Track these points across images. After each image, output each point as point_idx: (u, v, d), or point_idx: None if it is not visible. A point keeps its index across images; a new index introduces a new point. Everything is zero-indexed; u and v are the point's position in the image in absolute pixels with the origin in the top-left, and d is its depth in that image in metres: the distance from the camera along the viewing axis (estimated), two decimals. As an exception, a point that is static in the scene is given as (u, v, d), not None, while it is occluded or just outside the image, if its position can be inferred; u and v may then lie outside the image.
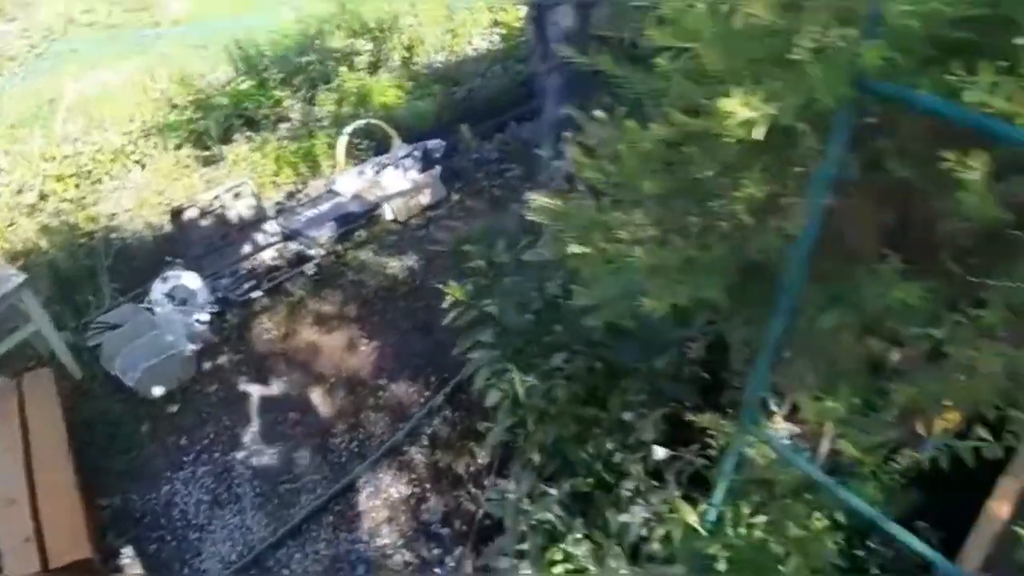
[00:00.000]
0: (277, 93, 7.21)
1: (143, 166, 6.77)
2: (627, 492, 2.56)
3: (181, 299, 4.98)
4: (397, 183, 5.62)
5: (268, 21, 8.38)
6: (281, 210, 6.05)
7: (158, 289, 4.95)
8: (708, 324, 2.87)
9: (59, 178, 6.54)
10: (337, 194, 5.71)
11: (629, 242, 1.80)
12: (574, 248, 1.92)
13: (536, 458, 3.12)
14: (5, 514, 3.64)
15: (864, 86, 1.37)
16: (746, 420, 2.01)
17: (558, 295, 2.91)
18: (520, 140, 6.06)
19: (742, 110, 1.33)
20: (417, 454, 4.01)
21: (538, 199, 1.99)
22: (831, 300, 1.77)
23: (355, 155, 6.18)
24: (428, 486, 3.89)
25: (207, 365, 4.89)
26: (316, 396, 4.58)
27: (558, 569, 2.74)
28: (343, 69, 7.21)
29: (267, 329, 5.10)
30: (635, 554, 2.64)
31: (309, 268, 5.33)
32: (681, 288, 1.77)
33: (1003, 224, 1.67)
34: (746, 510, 2.24)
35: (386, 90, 6.82)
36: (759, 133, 1.37)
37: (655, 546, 2.40)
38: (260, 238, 5.61)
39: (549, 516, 2.88)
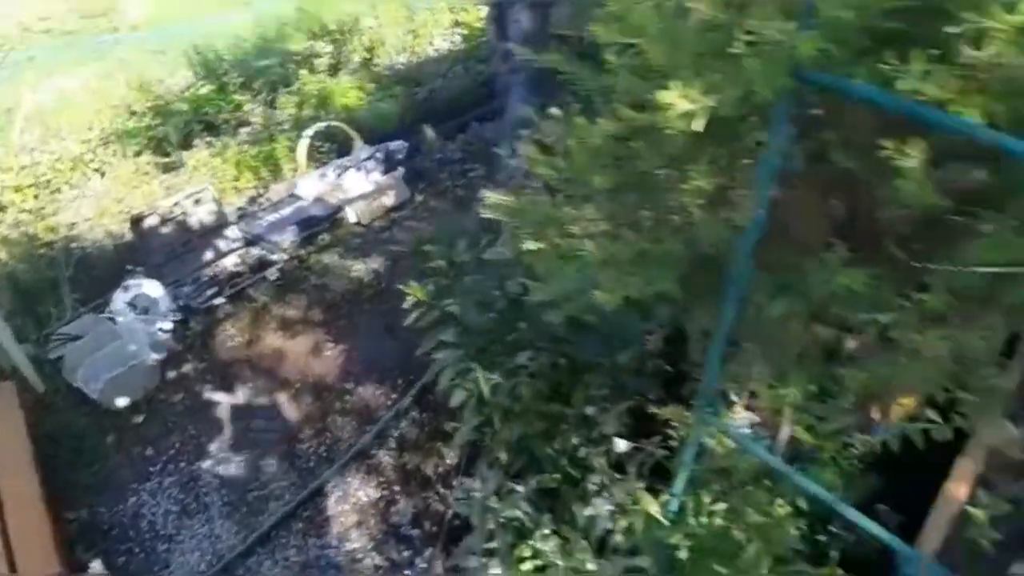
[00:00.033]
0: (237, 97, 7.12)
1: (102, 174, 6.65)
2: (592, 486, 2.57)
3: (143, 308, 4.89)
4: (359, 185, 5.58)
5: (227, 25, 8.28)
6: (243, 215, 5.98)
7: (119, 298, 4.86)
8: (670, 317, 2.91)
9: (17, 189, 6.40)
10: (299, 198, 5.66)
11: (581, 236, 1.81)
12: (529, 244, 1.92)
13: (503, 456, 3.13)
14: (-28, 530, 3.57)
15: (801, 77, 1.39)
16: (703, 410, 2.04)
17: (519, 293, 2.91)
18: (483, 139, 6.06)
19: (681, 102, 1.35)
20: (385, 457, 4.00)
21: (492, 197, 1.99)
22: (779, 289, 1.79)
23: (316, 158, 6.13)
24: (397, 488, 3.87)
25: (171, 374, 4.82)
26: (282, 402, 4.54)
27: (527, 566, 2.74)
28: (303, 72, 7.15)
29: (231, 336, 5.04)
30: (602, 547, 2.66)
31: (272, 273, 5.28)
32: (633, 280, 1.79)
33: (943, 210, 1.71)
34: (707, 499, 2.27)
35: (347, 92, 6.77)
36: (698, 125, 1.39)
37: (619, 538, 2.42)
38: (222, 244, 5.53)
39: (517, 513, 2.89)
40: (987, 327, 2.09)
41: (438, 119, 6.33)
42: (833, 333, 1.93)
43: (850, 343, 2.17)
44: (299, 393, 4.54)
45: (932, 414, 2.68)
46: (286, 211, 5.61)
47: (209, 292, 5.26)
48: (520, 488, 2.94)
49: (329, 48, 7.48)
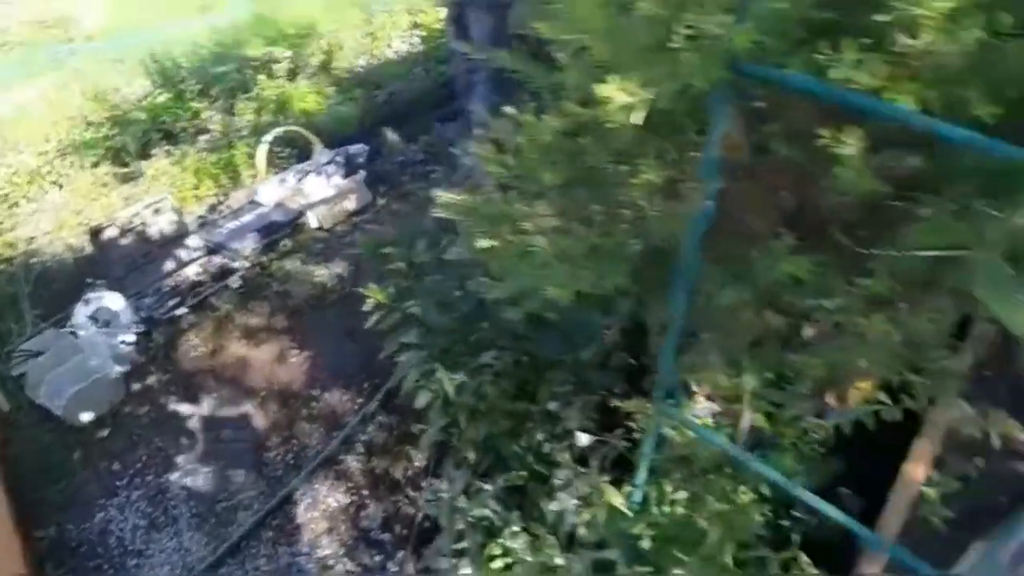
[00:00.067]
0: (195, 105, 7.05)
1: (60, 187, 6.56)
2: (559, 481, 2.58)
3: (104, 321, 4.82)
4: (320, 190, 5.55)
5: (184, 32, 8.19)
6: (203, 224, 5.92)
7: (81, 312, 4.79)
8: (629, 311, 2.93)
9: (-26, 205, 6.30)
10: (259, 204, 5.61)
11: (533, 233, 1.82)
12: (482, 242, 1.93)
13: (471, 456, 3.13)
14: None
15: (738, 69, 1.42)
16: (660, 401, 2.06)
17: (480, 292, 2.92)
18: (444, 140, 6.06)
19: (620, 96, 1.36)
20: (353, 462, 3.98)
21: (445, 196, 2.00)
22: (728, 278, 1.82)
23: (276, 163, 6.09)
24: (366, 493, 3.86)
25: (136, 387, 4.76)
26: (248, 411, 4.49)
27: (497, 564, 2.75)
28: (261, 77, 7.10)
29: (194, 346, 4.98)
30: (571, 542, 2.67)
31: (234, 281, 5.23)
32: (585, 275, 1.80)
33: (883, 196, 1.75)
34: (669, 488, 2.30)
35: (306, 96, 6.73)
36: (637, 118, 1.40)
37: (582, 531, 2.43)
38: (183, 253, 5.47)
39: (486, 512, 2.89)
40: (934, 310, 2.14)
41: (399, 121, 6.32)
42: (784, 321, 1.96)
43: (807, 330, 2.21)
44: (265, 401, 4.50)
45: (885, 397, 2.75)
46: (247, 218, 5.57)
47: (171, 302, 5.20)
48: (488, 487, 2.95)
49: (287, 53, 7.43)
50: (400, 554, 3.55)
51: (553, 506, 2.46)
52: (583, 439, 2.55)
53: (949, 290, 1.93)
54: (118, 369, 4.68)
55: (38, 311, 5.25)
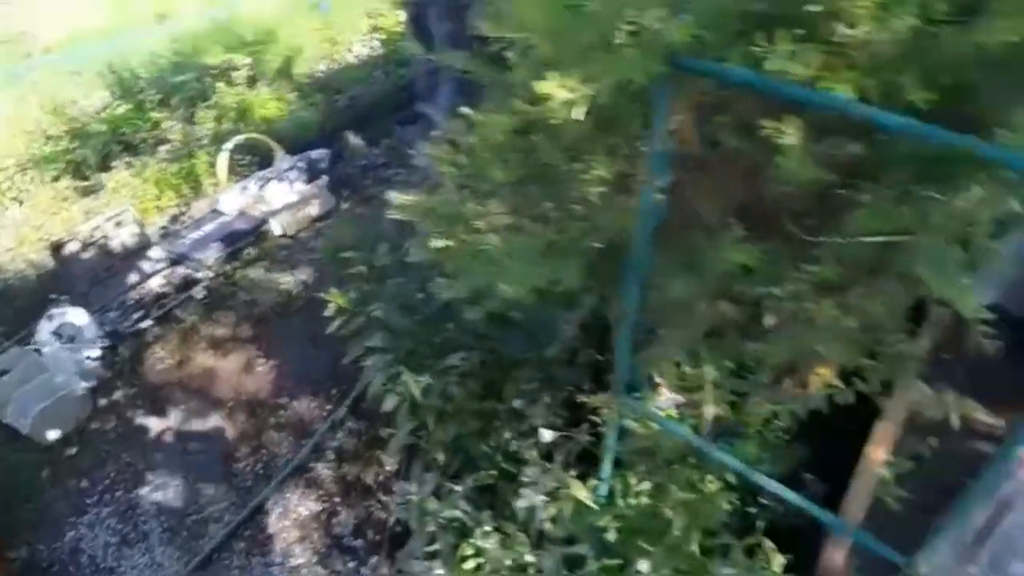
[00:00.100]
0: (155, 115, 6.95)
1: (20, 202, 6.43)
2: (526, 479, 2.59)
3: (69, 336, 4.75)
4: (283, 196, 5.51)
5: (143, 42, 8.08)
6: (166, 234, 5.85)
7: (44, 328, 4.71)
8: (592, 307, 2.95)
9: (-66, 222, 6.17)
10: (222, 213, 5.56)
11: (486, 231, 1.83)
12: (436, 242, 1.93)
13: (440, 457, 3.13)
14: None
15: (676, 63, 1.43)
16: (620, 395, 2.07)
17: (439, 293, 2.92)
18: (406, 143, 6.05)
19: (560, 92, 1.37)
20: (324, 469, 3.96)
21: (399, 198, 2.00)
22: (679, 270, 1.84)
23: (238, 171, 6.03)
24: (338, 500, 3.84)
25: (102, 402, 4.69)
26: (216, 422, 4.45)
27: (470, 564, 2.75)
28: (221, 85, 7.02)
29: (160, 359, 4.92)
30: (541, 538, 2.68)
31: (198, 292, 5.17)
32: (538, 271, 1.81)
33: (828, 184, 1.79)
34: (633, 480, 2.31)
35: (266, 103, 6.68)
36: (579, 113, 1.42)
37: (548, 526, 2.44)
38: (146, 266, 5.40)
39: (457, 513, 2.89)
40: (886, 295, 2.18)
41: (360, 125, 6.30)
42: (738, 310, 1.99)
43: (768, 319, 2.24)
44: (233, 412, 4.46)
45: (838, 381, 2.79)
46: (209, 227, 5.51)
47: (136, 316, 5.13)
48: (458, 488, 2.95)
49: (247, 60, 7.35)
50: (373, 559, 3.54)
51: (521, 503, 2.47)
52: (547, 435, 2.56)
53: (897, 275, 1.97)
54: (84, 385, 4.61)
55: (1, 329, 5.16)
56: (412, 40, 5.68)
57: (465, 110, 2.10)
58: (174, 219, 6.13)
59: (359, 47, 7.64)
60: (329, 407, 4.24)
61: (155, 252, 5.45)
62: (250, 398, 4.49)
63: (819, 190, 1.78)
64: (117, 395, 4.74)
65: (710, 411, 2.71)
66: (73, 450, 4.41)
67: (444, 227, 2.02)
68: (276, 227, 5.50)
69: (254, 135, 6.04)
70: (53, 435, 4.42)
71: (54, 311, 4.80)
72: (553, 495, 2.44)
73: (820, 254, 1.81)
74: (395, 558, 3.39)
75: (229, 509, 4.00)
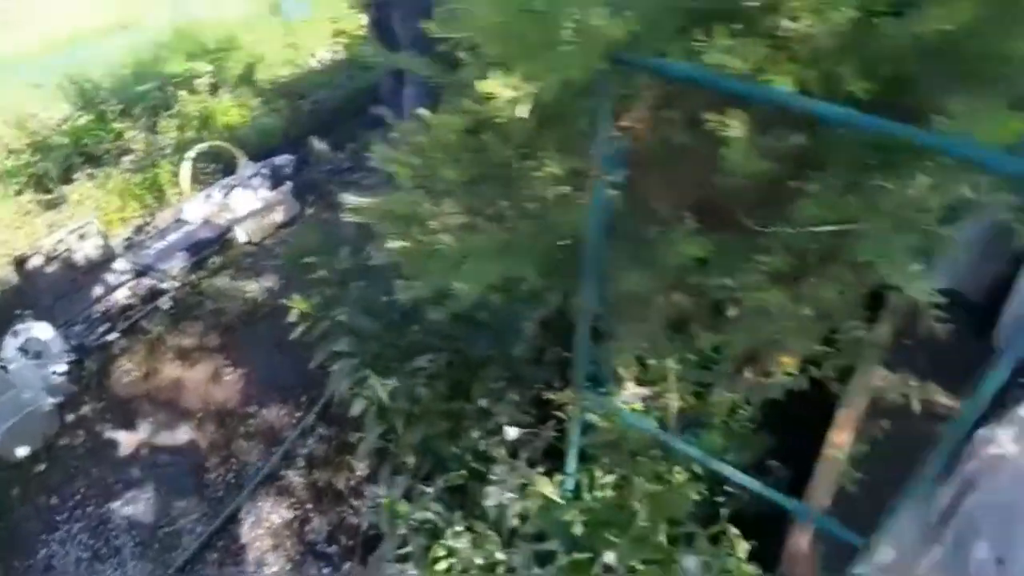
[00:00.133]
0: (117, 125, 6.87)
1: (-18, 218, 6.33)
2: (494, 477, 2.60)
3: (35, 352, 4.68)
4: (247, 204, 5.46)
5: (103, 53, 7.98)
6: (130, 246, 5.78)
7: (9, 345, 4.63)
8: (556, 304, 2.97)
9: None
10: (186, 222, 5.50)
11: (441, 231, 1.83)
12: (392, 243, 1.94)
13: (410, 460, 3.13)
14: None
15: (617, 59, 1.45)
16: (581, 389, 2.09)
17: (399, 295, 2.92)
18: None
19: (503, 91, 1.38)
20: (295, 476, 3.93)
21: (352, 200, 2.00)
22: (634, 264, 1.86)
23: (201, 180, 5.98)
24: (310, 507, 3.82)
25: (70, 417, 4.61)
26: (185, 433, 4.41)
27: (442, 565, 2.75)
28: (183, 93, 6.95)
29: (128, 371, 4.86)
30: (513, 535, 2.69)
31: (164, 302, 5.11)
32: (495, 269, 1.82)
33: (776, 175, 1.81)
34: (599, 474, 2.33)
35: (229, 110, 6.62)
36: (523, 111, 1.43)
37: (518, 523, 2.46)
38: (111, 278, 5.34)
39: (428, 515, 2.89)
40: (839, 283, 2.22)
41: (325, 130, 6.26)
42: (694, 302, 2.02)
43: (725, 310, 2.27)
44: (202, 422, 4.41)
45: (801, 369, 2.84)
46: (174, 237, 5.45)
47: (101, 329, 5.07)
48: (429, 489, 2.95)
49: (209, 68, 7.29)
50: (347, 565, 3.53)
51: (489, 502, 2.48)
52: (512, 433, 2.58)
53: (848, 263, 2.01)
54: (51, 400, 4.54)
55: (-34, 348, 5.07)
56: (375, 43, 5.66)
57: (421, 111, 2.11)
58: (138, 230, 6.06)
59: (323, 52, 7.60)
60: (299, 414, 4.22)
61: (120, 264, 5.39)
62: (219, 408, 4.45)
63: (768, 181, 1.81)
64: (85, 410, 4.67)
65: (674, 403, 2.74)
66: (42, 467, 4.34)
67: (401, 228, 2.02)
68: (241, 235, 5.46)
69: (217, 143, 5.99)
70: (22, 452, 4.35)
71: (19, 327, 4.72)
72: (520, 492, 2.45)
73: (770, 244, 1.84)
74: (368, 563, 3.38)
75: (201, 520, 3.96)
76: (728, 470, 2.14)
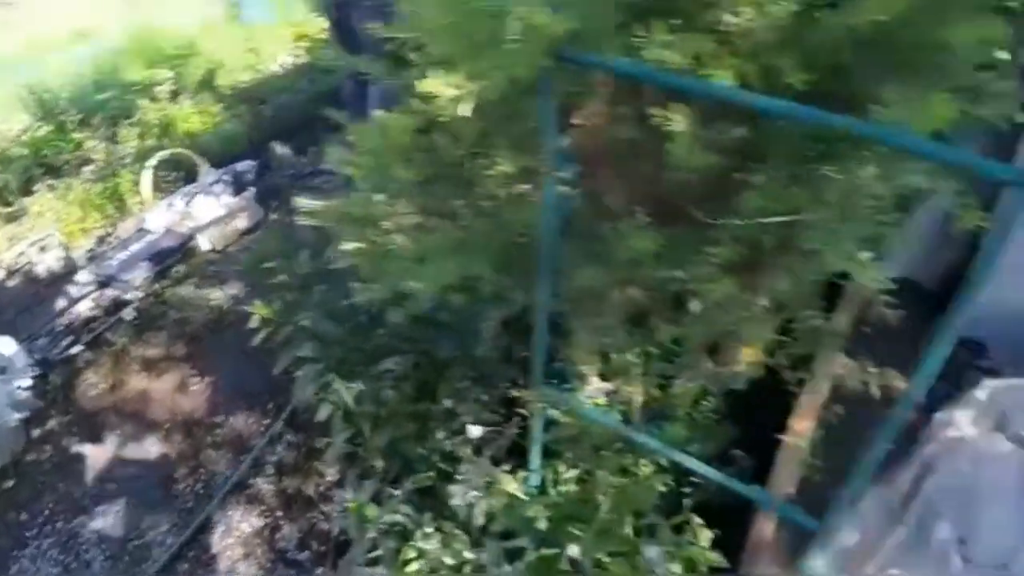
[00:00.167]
0: (77, 135, 6.78)
1: (-58, 233, 6.20)
2: (461, 476, 2.61)
3: (-1, 368, 4.61)
4: (210, 211, 5.41)
5: (62, 61, 7.86)
6: (92, 257, 5.69)
7: (-28, 361, 4.55)
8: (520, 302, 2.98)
9: None
10: (148, 231, 5.43)
11: (394, 231, 1.83)
12: (346, 245, 1.93)
13: (378, 463, 3.12)
14: None
15: (560, 56, 1.46)
16: (540, 385, 2.10)
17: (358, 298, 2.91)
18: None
19: (445, 89, 1.39)
20: (264, 484, 3.90)
21: (306, 203, 1.99)
22: (588, 259, 1.87)
23: (163, 188, 5.91)
24: (280, 514, 3.79)
25: (36, 432, 4.54)
26: (153, 444, 4.36)
27: (412, 567, 2.75)
28: (143, 101, 6.88)
29: (93, 384, 4.79)
30: (482, 534, 2.69)
31: (128, 313, 5.05)
32: (451, 268, 1.83)
33: (725, 168, 1.84)
34: (562, 469, 2.35)
35: (190, 117, 6.56)
36: (465, 110, 1.43)
37: (485, 521, 2.46)
38: (73, 290, 5.26)
39: (397, 517, 2.88)
40: (791, 273, 2.25)
41: (287, 134, 6.22)
42: (649, 296, 2.04)
43: (681, 303, 2.29)
44: (170, 432, 4.37)
45: (764, 359, 2.88)
46: (136, 247, 5.38)
47: (65, 342, 4.99)
48: (397, 492, 2.94)
49: (169, 74, 7.22)
50: (319, 570, 3.51)
51: (455, 501, 2.48)
52: (475, 431, 2.58)
53: (799, 253, 2.04)
54: (17, 416, 4.45)
55: (-71, 364, 4.97)
56: (336, 46, 5.64)
57: (376, 112, 2.11)
58: (101, 240, 5.98)
59: (284, 56, 7.56)
60: (266, 421, 4.19)
61: (82, 276, 5.32)
62: (186, 418, 4.40)
63: (715, 174, 1.83)
64: (51, 424, 4.60)
65: (638, 397, 2.77)
66: (10, 483, 4.26)
67: (356, 230, 2.02)
68: (204, 242, 5.41)
69: (178, 150, 5.93)
70: (-11, 469, 4.28)
71: (-19, 343, 4.65)
72: (485, 490, 2.46)
73: (720, 236, 1.87)
74: (339, 567, 3.37)
75: (171, 531, 3.92)
76: (690, 461, 2.17)
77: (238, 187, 5.62)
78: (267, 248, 3.56)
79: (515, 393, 2.88)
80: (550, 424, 2.50)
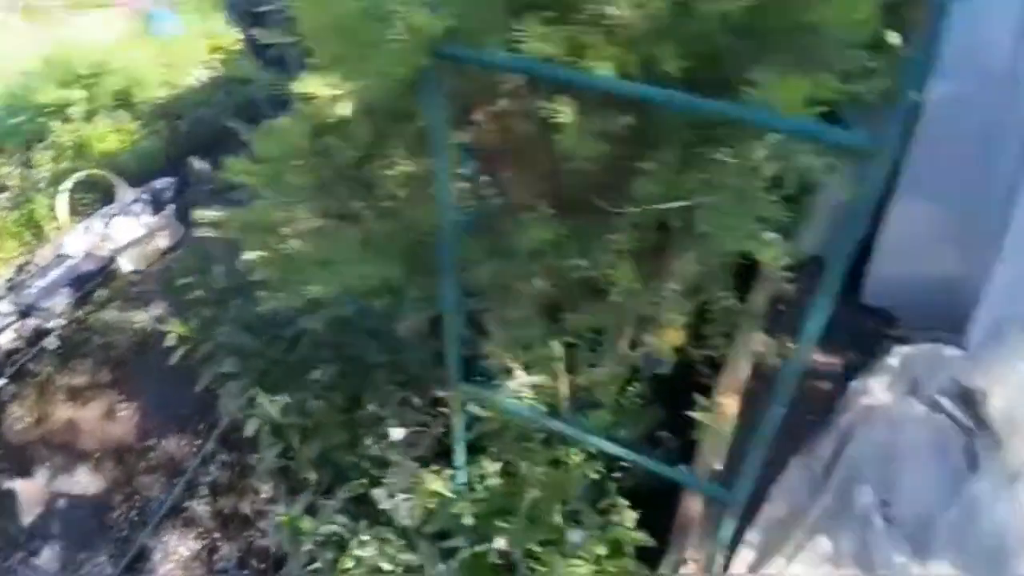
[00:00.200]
0: (-11, 163, 6.54)
1: None
2: (390, 480, 2.60)
3: (-81, 407, 4.42)
4: (129, 232, 5.27)
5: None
6: (12, 287, 5.48)
7: None
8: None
9: None
10: (68, 256, 5.25)
11: (293, 237, 1.83)
12: (249, 254, 1.92)
13: (311, 475, 3.09)
14: None
15: (440, 54, 1.47)
16: (456, 383, 2.11)
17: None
18: (257, 162, 5.90)
19: (324, 90, 1.39)
20: (200, 506, 3.81)
21: (204, 215, 1.97)
22: (489, 255, 1.89)
23: (80, 211, 5.73)
24: (218, 535, 3.72)
25: (-37, 471, 4.38)
26: (85, 475, 4.23)
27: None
28: (57, 123, 6.66)
29: (19, 418, 4.63)
30: (418, 536, 2.69)
31: (51, 342, 4.88)
32: (355, 270, 1.83)
33: (619, 156, 1.88)
34: (488, 463, 2.36)
35: (105, 136, 6.38)
36: (345, 110, 1.44)
37: (416, 522, 2.47)
38: (-8, 323, 5.07)
39: (333, 527, 2.87)
40: (699, 256, 2.31)
41: (206, 149, 6.08)
42: (557, 286, 2.07)
43: (590, 291, 2.33)
44: (100, 462, 4.24)
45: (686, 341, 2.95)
46: (56, 273, 5.20)
47: (-13, 377, 4.81)
48: (331, 502, 2.93)
49: (82, 94, 7.00)
50: (261, 588, 3.46)
51: (383, 504, 2.48)
52: (396, 433, 2.58)
53: (699, 236, 2.09)
54: (-60, 458, 4.30)
55: None
56: (251, 57, 5.56)
57: (270, 120, 2.09)
58: (19, 269, 5.75)
59: (200, 70, 7.40)
60: (198, 442, 4.10)
61: (2, 306, 5.12)
62: (117, 445, 4.28)
63: (611, 163, 1.87)
64: (-23, 462, 4.44)
65: (563, 387, 2.80)
66: (-58, 525, 4.12)
67: (259, 239, 2.00)
68: (125, 264, 5.26)
69: (94, 171, 5.76)
70: (-84, 510, 4.11)
71: (-99, 382, 4.46)
72: (412, 492, 2.46)
73: (620, 224, 1.91)
74: (281, 583, 3.33)
75: (109, 562, 3.82)
76: (610, 446, 2.21)
77: (157, 205, 5.48)
78: (187, 265, 3.48)
79: (441, 393, 2.88)
80: (474, 421, 2.51)
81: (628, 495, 2.65)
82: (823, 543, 2.85)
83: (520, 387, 2.75)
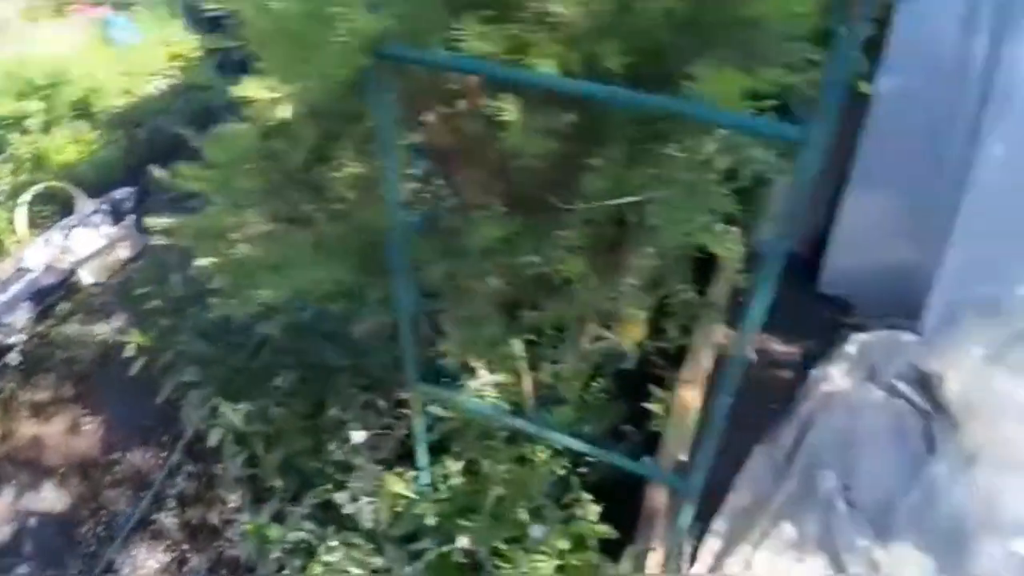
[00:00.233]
0: (-57, 180, 6.39)
1: None
2: (349, 484, 2.60)
3: None
4: (89, 243, 5.19)
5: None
6: (-29, 303, 5.39)
7: None
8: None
9: None
10: (28, 270, 5.16)
11: (243, 241, 1.82)
12: (201, 260, 1.91)
13: (277, 482, 3.07)
14: None
15: (380, 54, 1.48)
16: (414, 383, 2.12)
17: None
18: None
19: (261, 93, 1.39)
20: (168, 518, 3.76)
21: (156, 221, 1.95)
22: (440, 255, 1.90)
23: (39, 224, 5.63)
24: (187, 547, 3.67)
25: (-76, 494, 4.28)
26: (50, 491, 4.15)
27: (322, 582, 2.72)
28: (14, 136, 6.54)
29: (-20, 437, 4.54)
30: (387, 539, 2.69)
31: (13, 358, 4.79)
32: (307, 274, 1.82)
33: (568, 153, 1.90)
34: (450, 463, 2.37)
35: (64, 147, 6.28)
36: (285, 112, 1.44)
37: (383, 525, 2.46)
38: (-48, 340, 4.96)
39: (301, 534, 2.85)
40: (654, 249, 2.34)
41: (166, 157, 5.99)
42: (511, 284, 2.08)
43: (547, 287, 2.34)
44: (66, 477, 4.17)
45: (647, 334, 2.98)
46: (16, 288, 5.10)
47: (-52, 396, 4.71)
48: (298, 508, 2.91)
49: (40, 105, 6.89)
50: (231, 599, 3.43)
51: (348, 509, 2.47)
52: (357, 436, 2.58)
53: (651, 230, 2.11)
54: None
55: None
56: (209, 63, 5.52)
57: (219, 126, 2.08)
58: (-20, 288, 5.66)
59: (160, 78, 7.32)
60: (164, 453, 4.05)
61: (-39, 324, 5.03)
62: (82, 459, 4.21)
63: (560, 160, 1.88)
64: (-58, 483, 4.34)
65: (527, 384, 2.81)
66: (-95, 551, 4.02)
67: (210, 245, 1.99)
68: (87, 276, 5.18)
69: (52, 183, 5.66)
70: None
71: None
72: (375, 494, 2.46)
73: (571, 220, 1.92)
74: (253, 593, 3.30)
75: (77, 579, 3.77)
76: (572, 442, 2.22)
77: (117, 216, 5.40)
78: (146, 275, 3.44)
79: (404, 395, 2.88)
80: (436, 421, 2.52)
81: (593, 489, 2.67)
82: (787, 529, 2.90)
83: (483, 386, 2.77)
